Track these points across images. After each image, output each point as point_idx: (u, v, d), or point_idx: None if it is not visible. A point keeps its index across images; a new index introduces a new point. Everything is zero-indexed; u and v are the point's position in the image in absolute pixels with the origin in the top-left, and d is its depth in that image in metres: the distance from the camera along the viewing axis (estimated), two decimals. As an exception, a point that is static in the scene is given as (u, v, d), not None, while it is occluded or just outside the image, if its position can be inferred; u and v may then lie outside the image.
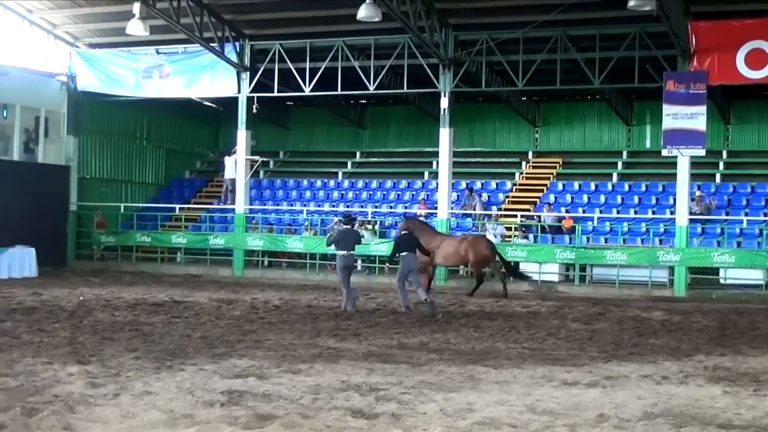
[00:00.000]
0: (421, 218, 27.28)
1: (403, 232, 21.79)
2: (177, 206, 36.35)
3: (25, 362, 11.99)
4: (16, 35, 32.50)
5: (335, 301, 22.18)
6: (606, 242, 29.93)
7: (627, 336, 16.69)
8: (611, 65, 28.10)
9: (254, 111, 32.39)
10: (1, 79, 31.10)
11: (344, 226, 21.34)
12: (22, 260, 28.79)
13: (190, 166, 41.91)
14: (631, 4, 23.45)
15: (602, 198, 33.38)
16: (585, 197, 33.59)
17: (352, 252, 20.88)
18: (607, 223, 31.14)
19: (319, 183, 37.88)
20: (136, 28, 28.50)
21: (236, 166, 33.03)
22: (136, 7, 28.08)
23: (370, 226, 31.82)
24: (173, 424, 8.69)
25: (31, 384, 10.46)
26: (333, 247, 21.32)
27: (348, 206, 34.86)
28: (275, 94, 32.31)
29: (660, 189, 32.95)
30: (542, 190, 34.55)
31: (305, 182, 38.03)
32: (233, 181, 33.30)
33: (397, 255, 21.23)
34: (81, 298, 21.43)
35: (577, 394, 10.68)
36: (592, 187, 34.13)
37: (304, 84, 31.08)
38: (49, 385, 10.46)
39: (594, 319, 19.60)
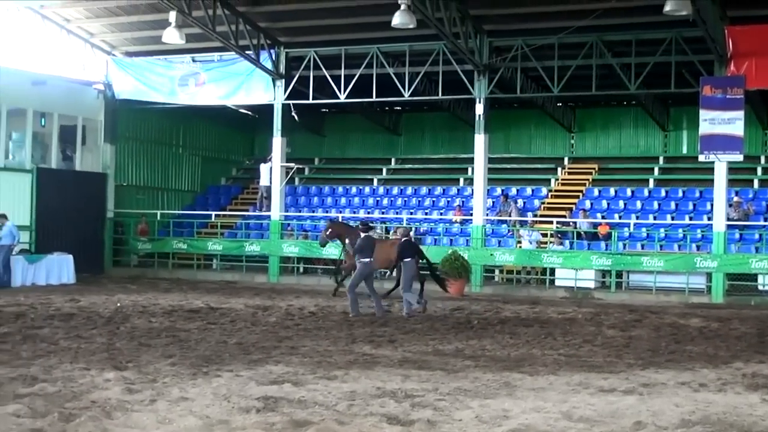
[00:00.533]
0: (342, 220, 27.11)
1: (404, 239, 21.83)
2: (213, 213, 36.55)
3: (62, 368, 12.08)
4: (53, 44, 32.83)
5: (370, 307, 22.16)
6: (642, 248, 29.72)
7: (664, 343, 16.55)
8: (647, 70, 27.96)
9: (295, 118, 32.56)
10: (40, 88, 31.44)
11: (362, 234, 21.18)
12: (60, 267, 29.05)
13: (225, 173, 42.14)
14: (667, 9, 23.34)
15: (639, 204, 33.19)
16: (621, 203, 33.42)
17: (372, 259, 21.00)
18: (644, 229, 30.96)
19: (354, 190, 37.94)
20: (172, 36, 28.74)
21: (271, 174, 33.18)
22: (173, 16, 28.32)
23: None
24: (209, 430, 8.72)
25: (69, 390, 10.53)
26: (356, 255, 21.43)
27: (383, 213, 34.93)
28: (310, 101, 32.40)
29: (697, 195, 32.74)
30: (578, 196, 34.42)
31: (340, 189, 38.10)
32: (268, 188, 33.45)
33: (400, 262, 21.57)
34: (118, 304, 21.56)
35: (613, 401, 10.60)
36: (629, 192, 33.97)
37: (339, 91, 31.15)
38: (86, 390, 10.53)
39: (631, 325, 19.47)
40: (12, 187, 30.33)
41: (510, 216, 32.21)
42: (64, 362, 12.56)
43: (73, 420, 8.84)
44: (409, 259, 21.01)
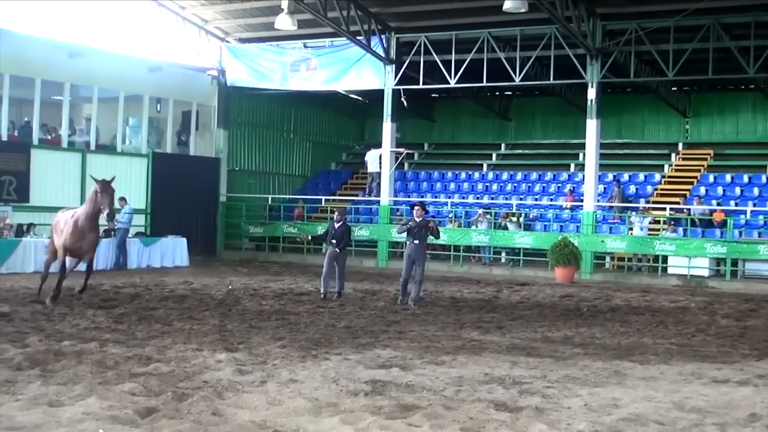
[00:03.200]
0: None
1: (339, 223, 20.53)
2: (323, 198, 36.85)
3: (176, 348, 12.34)
4: (169, 31, 33.49)
5: (479, 293, 22.11)
6: (759, 236, 28.97)
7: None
8: (767, 53, 27.17)
9: (404, 105, 32.62)
10: (156, 74, 32.13)
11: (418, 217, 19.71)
12: (174, 249, 29.68)
13: (336, 158, 42.50)
14: (788, -11, 22.66)
15: (756, 191, 32.36)
16: (737, 190, 32.64)
17: None
18: (761, 217, 30.17)
19: (463, 175, 37.84)
20: (284, 22, 29.05)
21: (380, 160, 33.36)
22: (285, 2, 28.65)
23: (514, 219, 31.64)
24: (318, 413, 8.80)
25: (182, 370, 10.76)
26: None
27: (492, 198, 34.75)
28: (420, 86, 32.38)
29: (817, 181, 31.78)
30: (693, 183, 33.74)
31: (450, 174, 38.05)
32: (378, 174, 33.66)
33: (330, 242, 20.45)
34: (230, 287, 21.93)
35: (727, 392, 10.38)
36: (746, 179, 33.13)
37: (450, 76, 31.06)
38: (198, 371, 10.74)
39: (746, 315, 19.03)
40: (129, 171, 31.06)
41: (613, 201, 31.75)
42: (177, 343, 12.83)
43: (186, 399, 9.03)
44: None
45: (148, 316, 15.98)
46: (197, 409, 8.64)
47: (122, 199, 27.93)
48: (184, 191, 32.70)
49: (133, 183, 30.91)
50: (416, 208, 19.61)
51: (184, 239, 30.03)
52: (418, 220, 19.20)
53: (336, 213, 21.01)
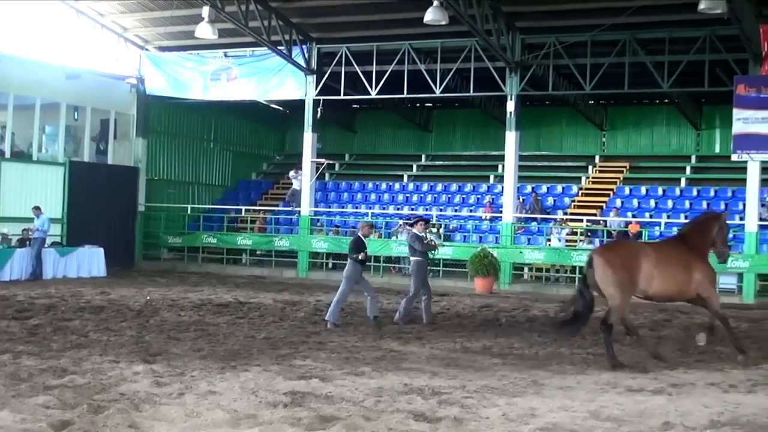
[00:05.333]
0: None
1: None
2: (243, 208, 36.65)
3: (92, 360, 12.17)
4: (87, 38, 33.04)
5: (398, 303, 22.12)
6: (673, 248, 29.44)
7: (694, 343, 16.41)
8: (681, 69, 27.74)
9: (318, 115, 32.58)
10: (73, 82, 31.66)
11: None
12: (91, 260, 29.24)
13: (256, 168, 42.29)
14: (701, 6, 23.16)
15: (670, 203, 32.98)
16: (652, 202, 33.22)
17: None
18: (675, 229, 30.64)
19: (384, 186, 37.94)
20: (204, 31, 28.89)
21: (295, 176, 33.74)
22: (205, 11, 28.49)
23: (434, 230, 31.76)
24: (237, 424, 8.75)
25: (98, 382, 10.62)
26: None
27: (413, 209, 34.88)
28: (341, 97, 32.43)
29: (729, 194, 32.46)
30: (609, 195, 34.26)
31: (370, 185, 38.12)
32: (292, 190, 34.13)
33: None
34: (148, 297, 21.69)
35: (642, 400, 10.55)
36: (660, 191, 33.76)
37: (371, 87, 31.16)
38: (115, 383, 10.61)
39: (660, 325, 19.37)
40: (45, 180, 30.58)
41: (520, 212, 32.04)
42: (93, 354, 12.67)
43: (102, 412, 8.91)
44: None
45: (64, 327, 15.75)
46: (113, 422, 8.53)
47: (37, 209, 27.50)
48: (102, 200, 32.24)
49: (49, 192, 30.42)
50: (420, 223, 19.00)
51: (101, 249, 29.62)
52: (422, 235, 18.83)
53: (365, 227, 18.93)
